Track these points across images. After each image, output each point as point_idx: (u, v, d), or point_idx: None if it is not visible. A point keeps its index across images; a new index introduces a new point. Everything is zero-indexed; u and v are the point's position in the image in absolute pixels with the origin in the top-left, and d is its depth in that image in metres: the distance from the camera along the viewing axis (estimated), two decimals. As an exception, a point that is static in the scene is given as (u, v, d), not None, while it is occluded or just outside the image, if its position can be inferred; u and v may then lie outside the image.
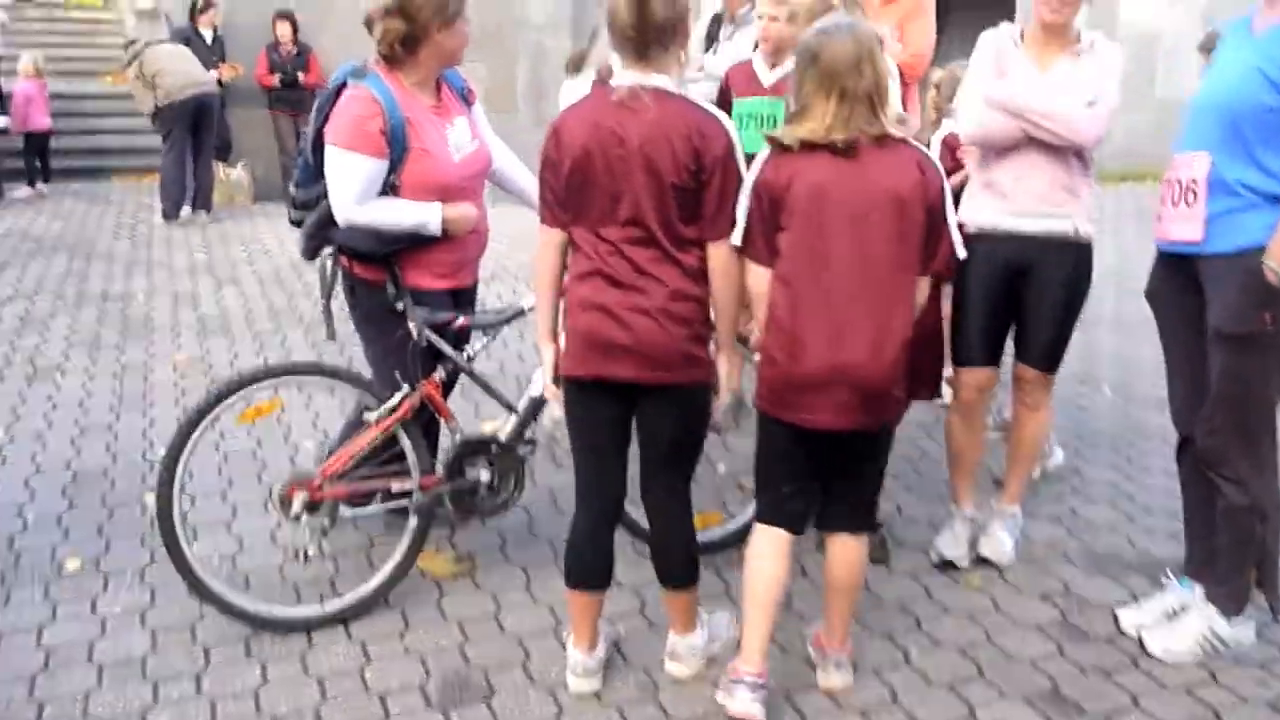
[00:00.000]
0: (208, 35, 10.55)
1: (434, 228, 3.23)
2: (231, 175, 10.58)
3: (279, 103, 10.56)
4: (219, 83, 10.09)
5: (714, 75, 5.64)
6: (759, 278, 2.75)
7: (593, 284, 2.73)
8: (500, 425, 3.46)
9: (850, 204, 2.62)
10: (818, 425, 2.68)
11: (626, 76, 2.70)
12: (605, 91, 2.75)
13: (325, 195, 3.23)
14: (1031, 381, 3.55)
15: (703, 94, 5.25)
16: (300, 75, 10.47)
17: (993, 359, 3.55)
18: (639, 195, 2.65)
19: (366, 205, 3.15)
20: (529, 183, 3.72)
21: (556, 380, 2.87)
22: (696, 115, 2.68)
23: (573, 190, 2.71)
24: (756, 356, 2.90)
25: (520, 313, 3.45)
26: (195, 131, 9.56)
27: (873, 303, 2.65)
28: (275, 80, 10.41)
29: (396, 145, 3.12)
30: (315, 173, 3.27)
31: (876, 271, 2.64)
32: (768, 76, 4.32)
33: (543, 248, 2.84)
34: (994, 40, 3.51)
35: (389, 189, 3.19)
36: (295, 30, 10.40)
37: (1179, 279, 2.92)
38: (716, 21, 6.14)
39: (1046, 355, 3.52)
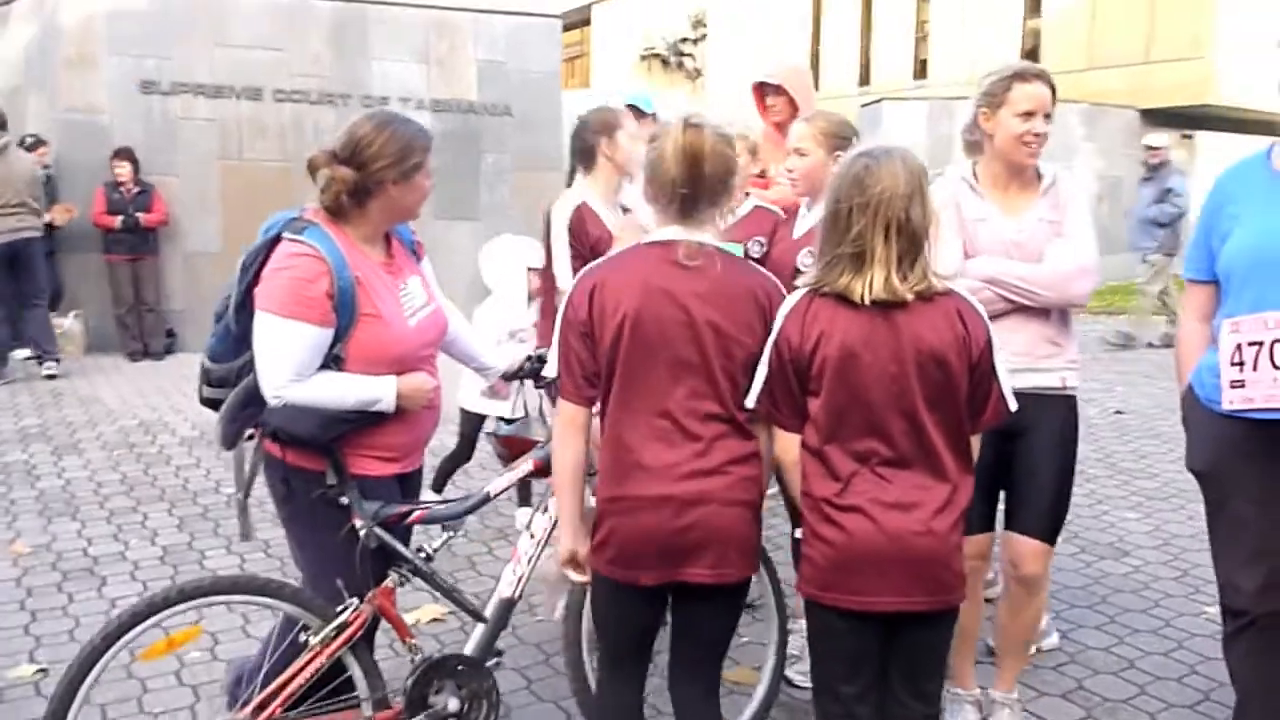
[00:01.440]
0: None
1: (387, 405, 2.70)
2: (63, 326, 9.62)
3: (117, 246, 9.71)
4: (49, 226, 9.24)
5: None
6: (787, 444, 2.40)
7: (645, 472, 2.36)
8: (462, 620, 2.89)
9: (885, 367, 2.28)
10: (877, 608, 2.31)
11: (668, 233, 2.40)
12: (652, 249, 2.41)
13: (250, 369, 2.67)
14: (1029, 555, 3.20)
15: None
16: (142, 216, 9.69)
17: (989, 523, 3.25)
18: (705, 363, 2.34)
19: (306, 382, 2.61)
20: (480, 347, 3.26)
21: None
22: (757, 276, 2.45)
23: (615, 361, 2.36)
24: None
25: (485, 499, 2.94)
26: (14, 279, 8.73)
27: (925, 467, 2.31)
28: (116, 222, 9.60)
29: (345, 311, 2.60)
30: (237, 342, 2.71)
31: (923, 436, 2.31)
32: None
33: (564, 429, 2.44)
34: (949, 193, 3.23)
35: (331, 362, 2.65)
36: (136, 168, 9.66)
37: (1269, 445, 2.62)
38: None
39: (1046, 523, 3.21)
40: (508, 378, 3.36)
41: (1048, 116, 3.13)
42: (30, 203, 8.84)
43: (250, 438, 2.83)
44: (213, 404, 2.81)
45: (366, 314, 2.64)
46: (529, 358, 3.32)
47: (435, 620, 4.00)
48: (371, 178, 2.64)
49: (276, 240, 2.64)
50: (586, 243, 3.78)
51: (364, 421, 2.70)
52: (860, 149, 2.40)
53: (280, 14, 10.44)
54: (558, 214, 3.84)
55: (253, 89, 10.39)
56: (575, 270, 3.67)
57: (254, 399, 2.69)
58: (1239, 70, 16.77)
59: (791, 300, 2.39)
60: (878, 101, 16.23)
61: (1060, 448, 3.20)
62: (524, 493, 5.23)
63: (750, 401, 2.39)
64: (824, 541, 2.33)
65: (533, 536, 2.98)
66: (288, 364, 2.58)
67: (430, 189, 2.79)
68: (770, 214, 3.96)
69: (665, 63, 24.94)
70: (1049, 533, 3.22)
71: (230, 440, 2.78)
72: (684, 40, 24.81)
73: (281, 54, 10.46)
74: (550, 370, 2.53)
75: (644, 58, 25.21)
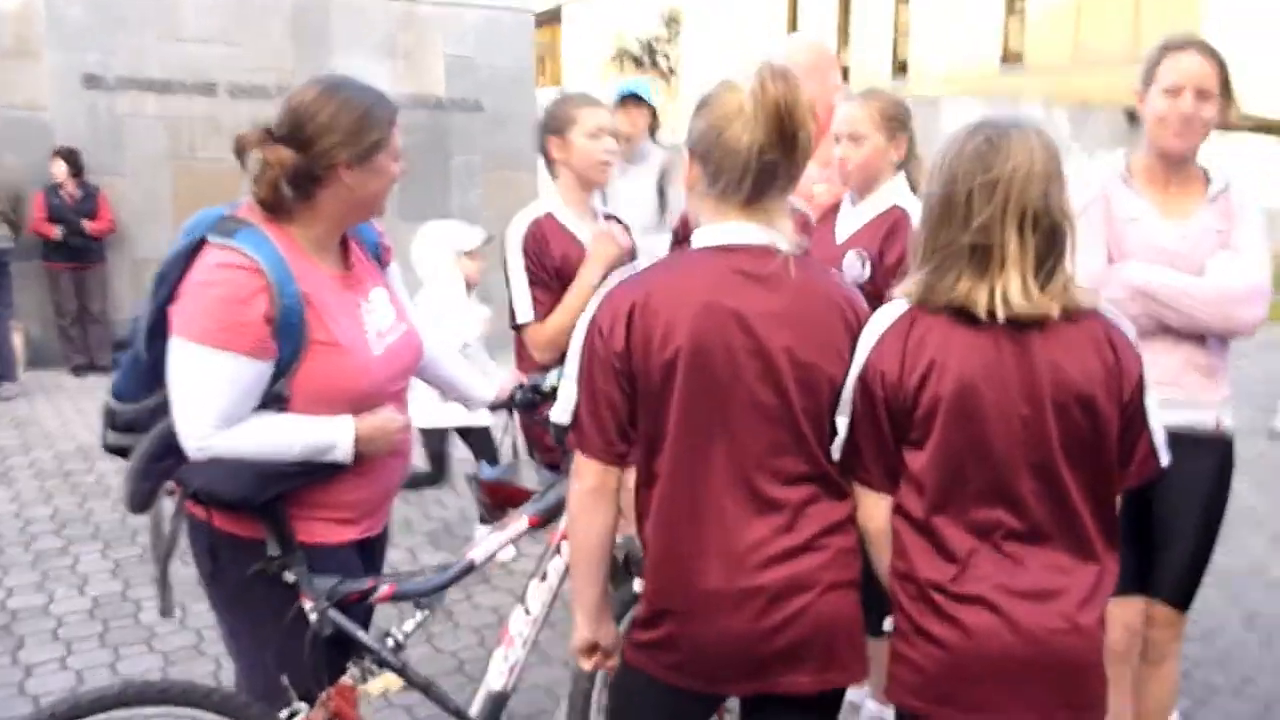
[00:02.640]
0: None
1: (344, 454, 2.11)
2: (-1, 338, 8.92)
3: (58, 253, 9.01)
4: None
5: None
6: (872, 509, 1.86)
7: (719, 559, 1.81)
8: None
9: (1015, 408, 1.73)
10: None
11: (729, 231, 1.84)
12: (708, 254, 1.85)
13: (166, 410, 2.08)
14: (1160, 622, 2.69)
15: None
16: (87, 224, 8.99)
17: (1140, 582, 2.69)
18: (787, 407, 1.81)
19: (237, 429, 2.02)
20: (462, 372, 2.67)
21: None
22: (839, 285, 1.93)
23: (665, 407, 1.80)
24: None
25: (469, 568, 2.36)
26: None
27: (1065, 543, 1.77)
28: (56, 232, 8.88)
29: (289, 338, 2.02)
30: (149, 376, 2.11)
31: (1063, 500, 1.76)
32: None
33: (588, 497, 1.88)
34: (1100, 181, 2.72)
35: (271, 401, 2.06)
36: (79, 169, 8.95)
37: None
38: None
39: (1182, 587, 2.69)
40: (495, 409, 2.77)
41: (1204, 95, 2.58)
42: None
43: (170, 493, 2.23)
44: (121, 452, 2.22)
45: (318, 341, 2.06)
46: (521, 386, 2.74)
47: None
48: (319, 160, 2.05)
49: (200, 246, 2.04)
50: (549, 265, 3.14)
51: (314, 475, 2.12)
52: (976, 121, 1.83)
53: (236, 4, 9.78)
54: (512, 233, 3.19)
55: (206, 84, 9.72)
56: (538, 304, 3.08)
57: (172, 448, 2.10)
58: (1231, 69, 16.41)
59: (886, 318, 1.82)
60: (860, 100, 15.72)
61: (1207, 500, 2.69)
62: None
63: (835, 452, 1.85)
64: (933, 641, 1.77)
65: (528, 613, 2.41)
66: (213, 406, 2.00)
67: (398, 174, 2.20)
68: (796, 213, 3.38)
69: (638, 62, 24.39)
70: (1183, 597, 2.71)
71: (141, 502, 2.18)
72: (657, 39, 24.27)
73: (237, 47, 9.81)
74: (562, 414, 1.94)
75: (616, 57, 24.65)
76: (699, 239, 1.89)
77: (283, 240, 2.06)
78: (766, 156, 1.78)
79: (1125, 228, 2.66)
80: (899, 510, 1.83)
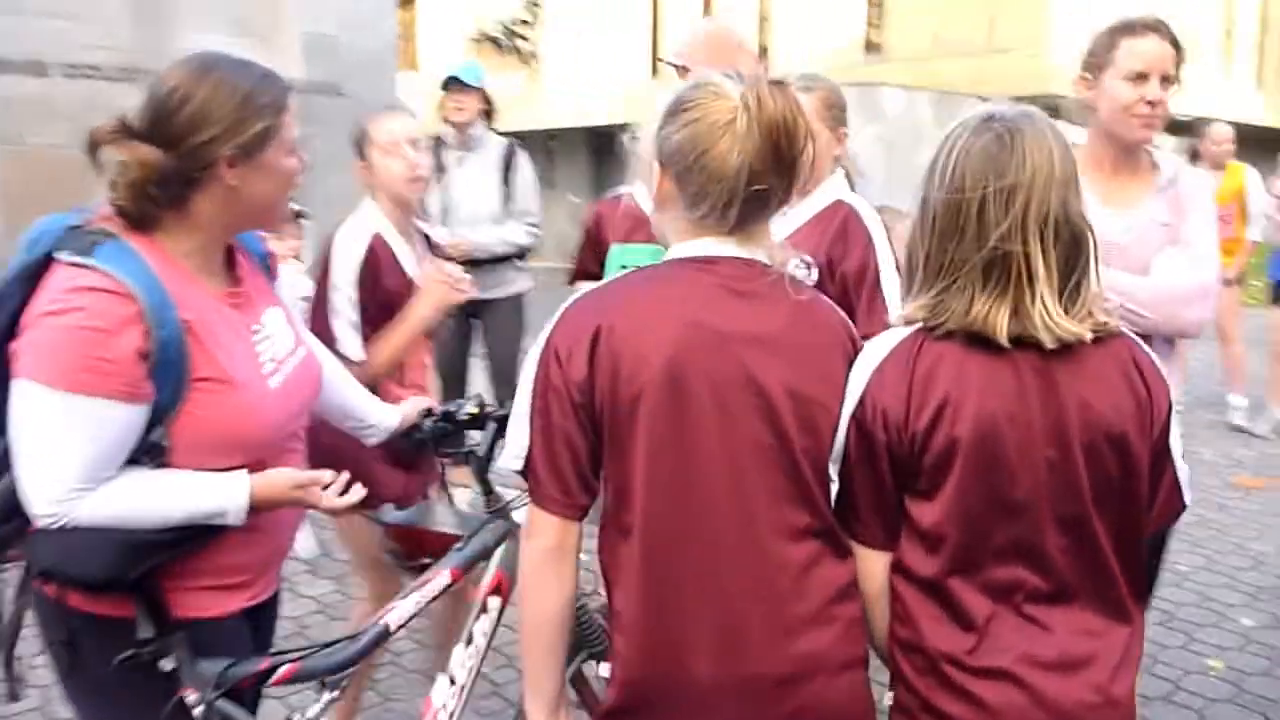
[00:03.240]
0: None
1: (236, 516, 1.74)
2: None
3: None
4: None
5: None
6: (870, 568, 1.61)
7: (712, 636, 1.53)
8: None
9: (1039, 450, 1.50)
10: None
11: (707, 247, 1.59)
12: (687, 268, 1.59)
13: (5, 467, 1.68)
14: None
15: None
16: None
17: None
18: (786, 448, 1.55)
19: (103, 492, 1.64)
20: (361, 398, 2.31)
21: None
22: (840, 314, 1.71)
23: (633, 448, 1.52)
24: None
25: (383, 636, 2.02)
26: None
27: (1094, 601, 1.56)
28: None
29: (168, 377, 1.64)
30: (-15, 427, 1.70)
31: (1095, 554, 1.54)
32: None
33: (543, 558, 1.59)
34: None
35: (146, 454, 1.68)
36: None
37: None
38: (439, 145, 4.92)
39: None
40: (396, 442, 2.41)
41: (1168, 80, 2.46)
42: None
43: (4, 565, 1.82)
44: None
45: (205, 378, 1.69)
46: (430, 413, 2.39)
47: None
48: (193, 159, 1.68)
49: (47, 264, 1.64)
50: (380, 299, 2.82)
51: (195, 541, 1.75)
52: (979, 114, 1.56)
53: (68, -25, 8.97)
54: (342, 254, 2.81)
55: (36, 63, 8.86)
56: (367, 339, 2.75)
57: (12, 510, 1.69)
58: (1076, 61, 16.91)
59: (884, 346, 1.57)
60: (728, 87, 15.58)
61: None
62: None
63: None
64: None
65: (453, 683, 2.08)
66: (72, 465, 1.61)
67: (297, 170, 1.84)
68: None
69: (498, 45, 23.76)
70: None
71: (-23, 579, 1.76)
72: (518, 22, 23.70)
73: (71, 22, 8.99)
74: (513, 459, 1.63)
75: (475, 40, 23.96)
76: (672, 253, 1.62)
77: (155, 255, 1.68)
78: (758, 183, 1.52)
79: None
80: (901, 569, 1.58)
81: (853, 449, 1.56)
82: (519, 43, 23.78)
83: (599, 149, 23.03)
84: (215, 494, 1.71)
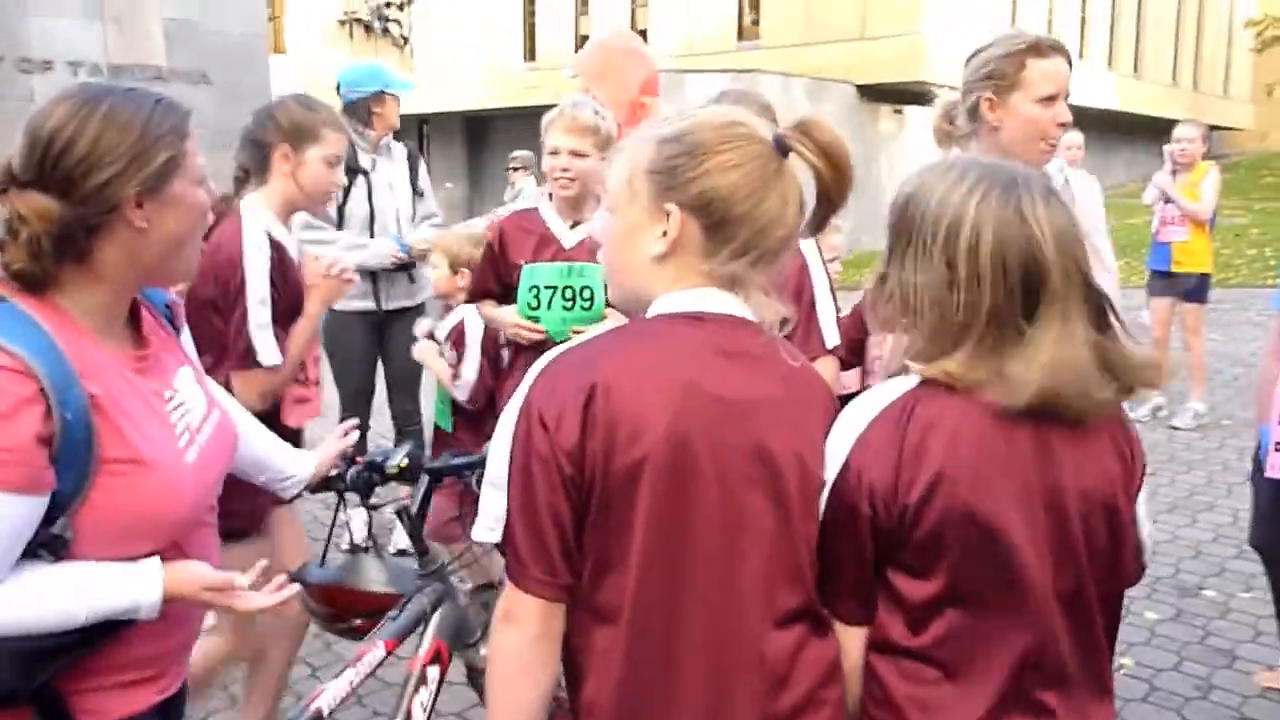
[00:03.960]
0: None
1: (149, 611, 1.55)
2: None
3: None
4: None
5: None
6: (851, 646, 1.50)
7: None
8: None
9: (1039, 524, 1.41)
10: None
11: (711, 300, 1.46)
12: (677, 323, 1.45)
13: None
14: None
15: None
16: None
17: None
18: (787, 523, 1.43)
19: (-4, 591, 1.43)
20: (271, 448, 2.12)
21: None
22: (821, 377, 1.57)
23: (631, 523, 1.37)
24: None
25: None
26: None
27: (1088, 681, 1.47)
28: None
29: (72, 462, 1.43)
30: None
31: (1091, 631, 1.47)
32: (568, 235, 3.09)
33: (523, 648, 1.42)
34: None
35: (45, 548, 1.47)
36: None
37: None
38: (352, 148, 4.68)
39: None
40: (314, 489, 2.22)
41: (1067, 98, 2.46)
42: None
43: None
44: None
45: (114, 460, 1.47)
46: (352, 462, 2.21)
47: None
48: (92, 204, 1.46)
49: (-82, 333, 1.41)
50: (288, 298, 2.67)
51: (101, 639, 1.54)
52: (965, 166, 1.49)
53: (-101, -45, 8.31)
54: (251, 256, 2.60)
55: None
56: (279, 341, 2.60)
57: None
58: (945, 46, 17.29)
59: (869, 407, 1.46)
60: (606, 73, 15.44)
61: None
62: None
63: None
64: None
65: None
66: (-48, 567, 1.39)
67: (206, 203, 1.63)
68: None
69: (368, 28, 23.10)
70: None
71: None
72: (388, 4, 23.07)
73: (-95, 5, 8.35)
74: (487, 531, 1.51)
75: (343, 22, 23.26)
76: (656, 307, 1.48)
77: (52, 319, 1.46)
78: (777, 232, 1.45)
79: None
80: (883, 648, 1.48)
81: (835, 521, 1.45)
82: (390, 26, 23.16)
83: (473, 135, 22.67)
84: (126, 589, 1.50)
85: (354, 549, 2.29)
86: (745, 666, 1.41)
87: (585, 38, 21.67)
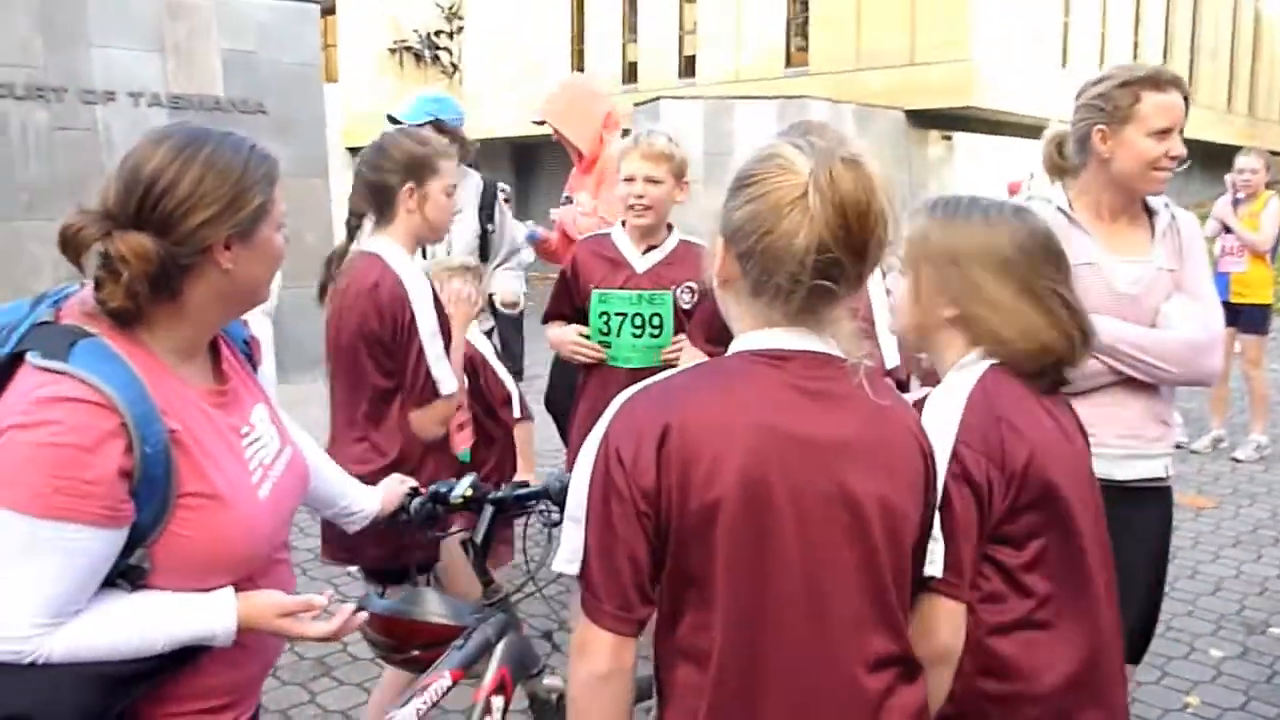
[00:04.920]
0: None
1: (224, 639, 1.57)
2: None
3: None
4: None
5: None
6: (959, 625, 1.63)
7: None
8: None
9: (1085, 487, 1.75)
10: None
11: (773, 339, 1.46)
12: (757, 363, 1.45)
13: None
14: None
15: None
16: None
17: None
18: (874, 568, 1.43)
19: (76, 625, 1.46)
20: (342, 482, 2.14)
21: None
22: (911, 412, 1.59)
23: (710, 565, 1.38)
24: None
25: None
26: None
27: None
28: None
29: (152, 496, 1.46)
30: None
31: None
32: (639, 260, 3.12)
33: (596, 684, 1.43)
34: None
35: (123, 577, 1.49)
36: None
37: None
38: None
39: (1136, 646, 2.52)
40: (386, 520, 2.24)
41: (1180, 132, 2.44)
42: None
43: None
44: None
45: (191, 493, 1.49)
46: (416, 493, 2.23)
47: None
48: (186, 245, 1.50)
49: (13, 364, 1.45)
50: (443, 328, 2.75)
51: (178, 666, 1.56)
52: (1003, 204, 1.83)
53: (-30, -11, 8.54)
54: (415, 289, 2.67)
55: (-62, 80, 8.45)
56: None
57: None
58: (994, 73, 17.20)
59: (954, 395, 1.64)
60: (655, 99, 15.51)
61: (1157, 554, 2.58)
62: None
63: (938, 570, 1.57)
64: None
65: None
66: (41, 597, 1.43)
67: (283, 248, 1.66)
68: (699, 249, 3.07)
69: (418, 57, 23.41)
70: (1135, 653, 2.55)
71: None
72: (438, 33, 23.36)
73: (-24, 38, 8.56)
74: (568, 563, 1.57)
75: (394, 50, 23.59)
76: (736, 346, 1.50)
77: (137, 355, 1.49)
78: (826, 267, 1.39)
79: (1080, 272, 2.46)
80: (993, 619, 1.64)
81: (963, 506, 1.57)
82: (440, 54, 23.45)
83: (520, 162, 22.83)
84: (202, 617, 1.52)
85: (414, 579, 2.31)
86: (830, 711, 1.40)
87: (633, 64, 21.82)
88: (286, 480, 1.70)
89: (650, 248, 3.20)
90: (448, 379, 2.70)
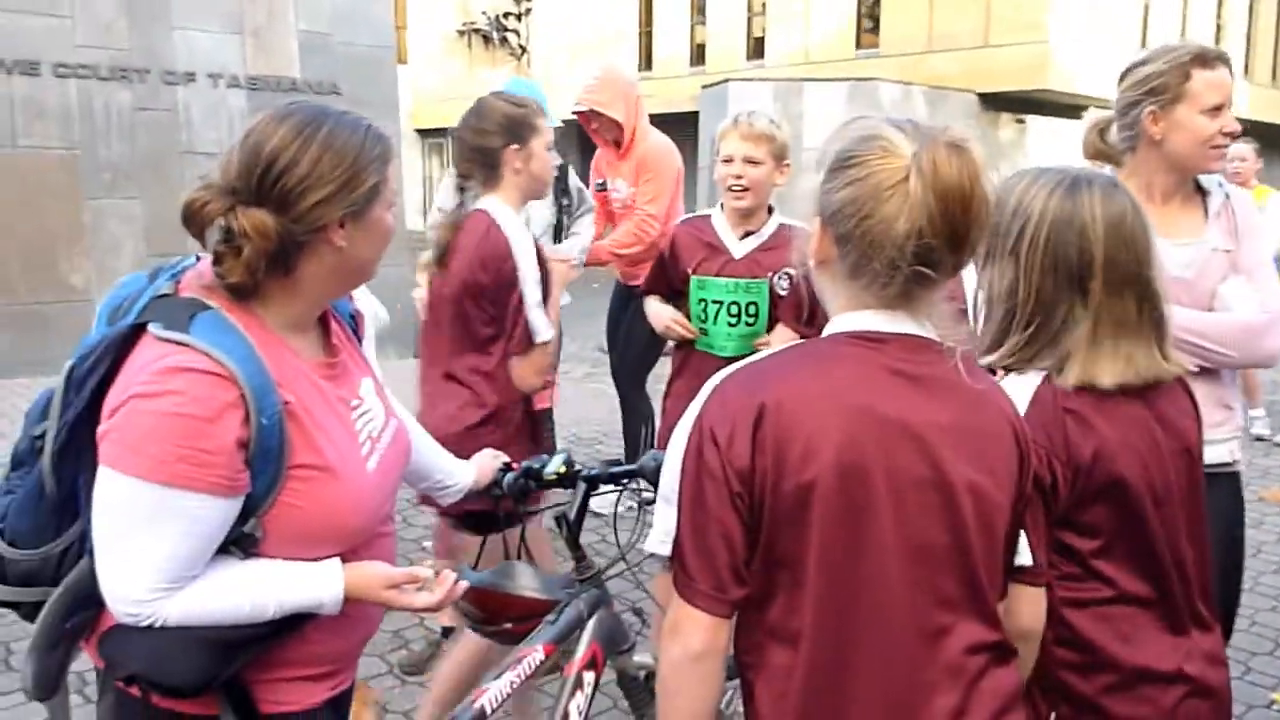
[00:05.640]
0: None
1: (332, 607, 1.59)
2: None
3: None
4: None
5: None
6: (1040, 608, 1.64)
7: None
8: None
9: (1152, 475, 1.69)
10: None
11: (865, 321, 1.44)
12: (851, 345, 1.44)
13: (78, 556, 1.53)
14: None
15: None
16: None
17: None
18: (965, 554, 1.41)
19: (192, 590, 1.49)
20: (438, 455, 2.16)
21: None
22: (1007, 398, 1.54)
23: (803, 546, 1.37)
24: None
25: (481, 718, 1.87)
26: None
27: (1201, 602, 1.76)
28: None
29: (266, 466, 1.48)
30: (57, 513, 1.54)
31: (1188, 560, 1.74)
32: (737, 246, 3.09)
33: (689, 664, 1.42)
34: None
35: (235, 544, 1.52)
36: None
37: None
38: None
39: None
40: (477, 495, 2.26)
41: (1231, 107, 2.42)
42: None
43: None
44: (12, 606, 1.63)
45: (303, 465, 1.52)
46: (508, 468, 2.24)
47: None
48: (303, 223, 1.52)
49: (135, 334, 1.48)
50: (544, 279, 2.76)
51: (286, 632, 1.59)
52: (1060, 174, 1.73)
53: (60, -29, 8.72)
54: (517, 242, 2.71)
55: (28, 62, 8.63)
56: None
57: (86, 599, 1.54)
58: (1071, 55, 16.86)
59: (1024, 389, 1.66)
60: (723, 82, 15.44)
61: (1231, 539, 2.52)
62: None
63: (1028, 559, 1.58)
64: None
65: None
66: (161, 562, 1.46)
67: (394, 227, 1.68)
68: (798, 234, 3.07)
69: (487, 39, 23.52)
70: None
71: (48, 683, 1.60)
72: (506, 15, 23.45)
73: (63, 20, 8.76)
74: (660, 544, 1.53)
75: (462, 33, 23.72)
76: (831, 328, 1.47)
77: (253, 328, 1.52)
78: (925, 253, 1.36)
79: None
80: (1076, 602, 1.67)
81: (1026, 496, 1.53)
82: (509, 36, 23.54)
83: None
84: (311, 586, 1.55)
85: (508, 554, 2.32)
86: (922, 694, 1.39)
87: (701, 46, 21.72)
88: (392, 453, 1.72)
89: (748, 233, 3.16)
90: (544, 327, 2.73)
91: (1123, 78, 2.49)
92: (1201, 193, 2.52)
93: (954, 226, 1.35)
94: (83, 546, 1.54)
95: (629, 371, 5.26)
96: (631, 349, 5.10)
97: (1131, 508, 1.64)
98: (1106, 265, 1.64)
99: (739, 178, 3.05)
